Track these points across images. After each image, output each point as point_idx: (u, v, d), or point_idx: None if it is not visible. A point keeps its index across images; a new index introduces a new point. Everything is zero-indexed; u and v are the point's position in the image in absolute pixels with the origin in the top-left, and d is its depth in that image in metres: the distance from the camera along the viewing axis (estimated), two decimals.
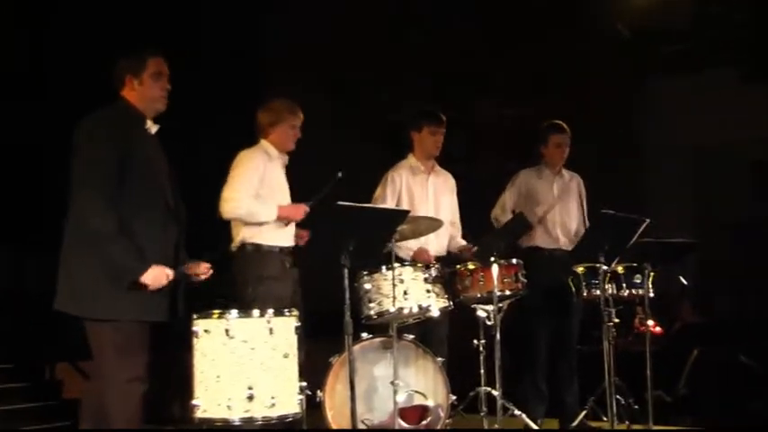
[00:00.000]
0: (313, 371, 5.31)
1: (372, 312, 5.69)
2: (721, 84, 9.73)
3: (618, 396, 6.08)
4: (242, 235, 5.71)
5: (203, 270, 4.88)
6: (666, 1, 9.21)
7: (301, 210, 5.64)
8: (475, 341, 6.16)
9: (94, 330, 4.54)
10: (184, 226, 4.84)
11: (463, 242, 6.57)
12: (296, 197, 5.82)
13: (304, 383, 4.81)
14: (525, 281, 6.11)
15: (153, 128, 4.80)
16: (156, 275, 4.51)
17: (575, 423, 6.43)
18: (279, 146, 5.82)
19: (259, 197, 5.62)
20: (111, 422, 4.50)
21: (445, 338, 6.31)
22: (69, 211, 4.58)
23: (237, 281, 5.65)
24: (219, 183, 5.58)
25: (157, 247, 4.62)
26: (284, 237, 5.72)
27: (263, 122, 5.85)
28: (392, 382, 5.49)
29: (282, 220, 5.67)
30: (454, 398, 5.91)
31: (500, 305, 5.99)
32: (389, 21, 9.97)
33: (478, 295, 5.99)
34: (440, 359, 5.91)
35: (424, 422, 5.75)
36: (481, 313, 6.12)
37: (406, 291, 5.67)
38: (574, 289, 6.43)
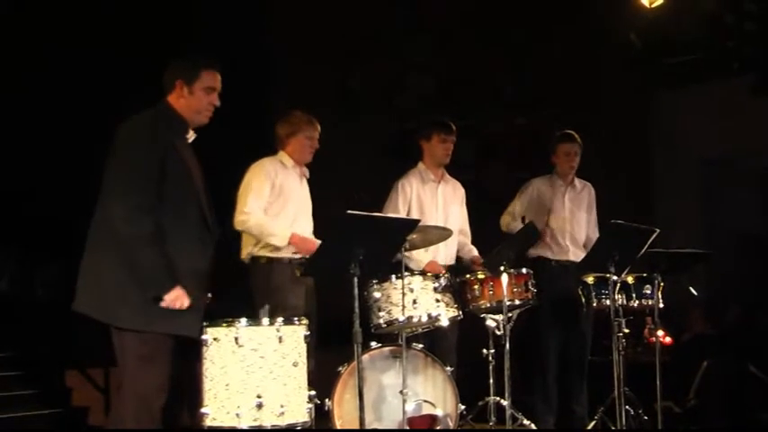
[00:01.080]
0: (322, 379, 5.32)
1: (382, 321, 5.69)
2: (732, 94, 9.70)
3: (627, 407, 6.05)
4: (252, 247, 5.74)
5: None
6: (677, 12, 9.18)
7: (313, 246, 5.58)
8: (484, 350, 6.16)
9: (118, 339, 4.41)
10: (216, 240, 4.65)
11: (475, 251, 6.57)
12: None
13: (313, 392, 4.81)
14: (535, 290, 6.11)
15: (191, 137, 4.65)
16: (175, 298, 4.33)
17: None
18: (296, 157, 5.87)
19: (271, 207, 5.65)
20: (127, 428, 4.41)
21: (454, 348, 6.31)
22: (99, 213, 4.43)
23: (251, 293, 5.68)
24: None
25: (191, 261, 4.46)
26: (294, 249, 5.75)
27: (281, 134, 5.91)
28: (401, 392, 5.50)
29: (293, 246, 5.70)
30: (463, 407, 5.91)
31: (510, 315, 5.99)
32: (399, 28, 9.97)
33: (488, 305, 5.99)
34: (449, 368, 5.91)
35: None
36: (491, 323, 6.11)
37: (415, 300, 5.68)
38: (584, 299, 6.43)
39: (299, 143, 5.88)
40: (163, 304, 4.32)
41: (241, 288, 5.72)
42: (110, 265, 4.36)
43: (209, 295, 4.61)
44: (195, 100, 4.60)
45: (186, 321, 4.45)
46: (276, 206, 5.78)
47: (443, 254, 6.35)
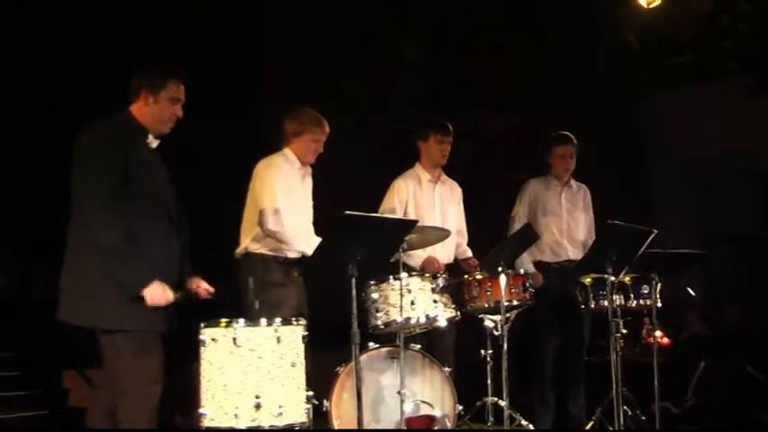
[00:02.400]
0: (320, 380, 5.31)
1: (380, 322, 5.69)
2: (728, 94, 9.71)
3: (625, 407, 6.05)
4: (248, 244, 5.72)
5: (203, 292, 4.85)
6: (674, 12, 9.20)
7: None
8: (482, 351, 6.15)
9: (108, 340, 4.51)
10: (187, 238, 4.79)
11: (469, 252, 6.57)
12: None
13: (311, 393, 4.80)
14: (533, 291, 6.11)
15: (154, 142, 4.74)
16: (156, 294, 4.43)
17: None
18: (299, 156, 5.83)
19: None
20: (132, 426, 4.47)
21: (452, 348, 6.30)
22: (72, 219, 4.54)
23: (241, 288, 5.66)
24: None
25: (161, 258, 4.58)
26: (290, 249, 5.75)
27: (288, 130, 5.86)
28: (399, 392, 5.49)
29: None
30: (461, 408, 5.91)
31: (507, 315, 5.98)
32: (394, 29, 9.98)
33: (486, 305, 5.98)
34: (447, 369, 5.90)
35: None
36: (488, 323, 6.11)
37: (413, 301, 5.67)
38: (581, 299, 6.43)
39: (304, 144, 5.83)
40: (145, 295, 4.41)
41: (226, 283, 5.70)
42: (86, 270, 4.47)
43: (179, 294, 4.63)
44: (159, 109, 4.67)
45: (161, 317, 4.53)
46: (283, 205, 5.71)
47: (441, 254, 6.34)
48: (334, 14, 9.64)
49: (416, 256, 6.17)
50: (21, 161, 8.87)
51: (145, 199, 4.55)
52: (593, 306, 6.38)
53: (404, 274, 5.61)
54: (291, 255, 5.73)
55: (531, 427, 6.14)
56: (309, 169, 5.94)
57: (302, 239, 5.63)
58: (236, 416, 4.54)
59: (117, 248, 4.38)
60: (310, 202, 5.97)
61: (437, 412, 5.78)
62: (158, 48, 8.41)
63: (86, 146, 4.52)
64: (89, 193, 4.43)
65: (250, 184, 5.79)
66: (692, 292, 8.72)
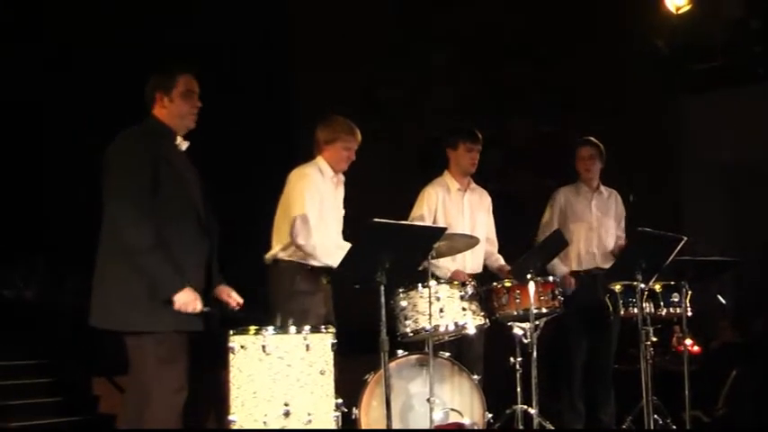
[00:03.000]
0: (348, 388, 5.31)
1: (408, 330, 5.68)
2: (758, 99, 9.64)
3: (655, 416, 6.03)
4: (277, 251, 5.74)
5: (233, 303, 4.91)
6: (703, 17, 9.15)
7: None
8: (511, 359, 6.13)
9: (135, 344, 4.55)
10: (216, 241, 4.87)
11: (501, 260, 6.56)
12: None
13: (340, 400, 4.81)
14: (562, 298, 6.09)
15: (183, 144, 4.84)
16: (186, 301, 4.51)
17: None
18: (332, 164, 5.84)
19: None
20: None
21: (481, 356, 6.29)
22: (103, 226, 4.62)
23: (270, 295, 5.68)
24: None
25: (192, 261, 4.66)
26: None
27: (320, 138, 5.87)
28: (428, 400, 5.48)
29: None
30: (490, 416, 5.89)
31: (537, 323, 5.96)
32: (423, 37, 9.99)
33: (515, 313, 5.97)
34: (476, 377, 5.89)
35: None
36: (518, 331, 6.08)
37: (442, 308, 5.67)
38: (611, 307, 6.40)
39: (336, 152, 5.83)
40: (175, 300, 4.48)
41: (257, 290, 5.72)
42: (117, 274, 4.54)
43: (207, 309, 4.68)
44: (176, 106, 4.80)
45: (189, 317, 4.57)
46: (313, 216, 5.73)
47: (470, 262, 6.34)
48: (364, 22, 9.67)
49: (444, 268, 6.15)
50: (50, 170, 8.95)
51: (175, 203, 4.63)
52: (622, 313, 6.35)
53: (432, 282, 5.61)
54: (319, 264, 5.73)
55: None
56: (342, 177, 5.95)
57: (328, 252, 5.63)
58: (264, 423, 4.55)
59: (147, 252, 4.45)
60: (342, 211, 5.97)
61: (466, 420, 5.77)
62: (187, 50, 8.47)
63: (118, 153, 4.62)
64: (121, 198, 4.51)
65: (283, 192, 5.81)
66: (723, 300, 8.64)
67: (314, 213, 5.65)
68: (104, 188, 4.61)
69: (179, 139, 4.82)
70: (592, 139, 6.87)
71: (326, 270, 5.71)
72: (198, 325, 4.65)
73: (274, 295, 5.72)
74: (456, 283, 5.84)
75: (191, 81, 4.85)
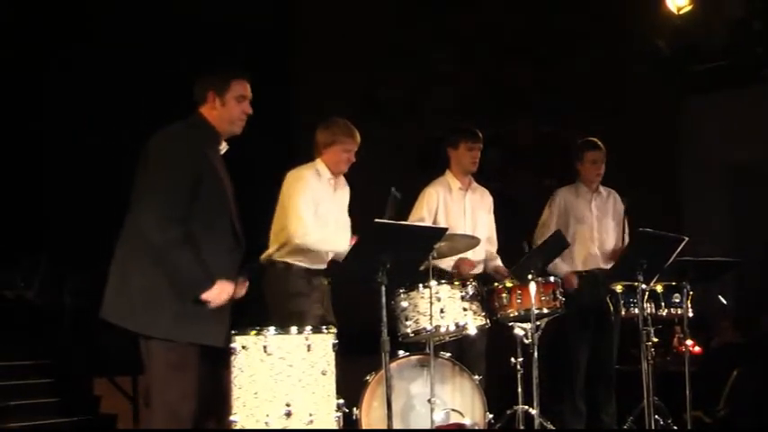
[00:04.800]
0: (349, 389, 5.31)
1: (409, 330, 5.68)
2: (760, 100, 9.65)
3: (657, 416, 6.02)
4: (273, 251, 5.74)
5: (241, 290, 4.75)
6: (705, 18, 9.15)
7: None
8: (512, 359, 6.13)
9: (148, 345, 4.43)
10: (244, 250, 4.68)
11: (499, 261, 6.55)
12: None
13: (341, 401, 4.81)
14: (563, 299, 6.08)
15: (224, 148, 4.69)
16: (219, 291, 4.36)
17: None
18: (331, 167, 5.83)
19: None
20: None
21: (482, 356, 6.28)
22: (130, 222, 4.45)
23: (265, 296, 5.67)
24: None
25: (223, 268, 4.47)
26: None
27: (320, 140, 5.85)
28: (429, 400, 5.49)
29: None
30: (491, 416, 5.88)
31: (538, 323, 5.96)
32: (423, 37, 10.00)
33: (516, 313, 5.96)
34: (477, 377, 5.88)
35: None
36: (519, 331, 6.08)
37: (442, 309, 5.67)
38: (612, 307, 6.39)
39: (335, 154, 5.80)
40: (212, 303, 4.35)
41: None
42: (141, 275, 4.37)
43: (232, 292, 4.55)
44: (227, 110, 4.62)
45: (213, 331, 4.47)
46: (308, 217, 5.71)
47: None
48: (364, 22, 9.67)
49: (450, 258, 6.14)
50: (50, 170, 8.95)
51: (213, 206, 4.46)
52: (623, 314, 6.34)
53: (433, 282, 5.61)
54: (315, 266, 5.73)
55: None
56: (343, 179, 5.94)
57: (328, 240, 5.63)
58: (266, 423, 4.54)
59: (177, 246, 4.29)
60: (344, 214, 5.94)
61: (467, 421, 5.76)
62: (187, 50, 8.48)
63: (162, 147, 4.46)
64: (156, 193, 4.35)
65: (280, 193, 5.80)
66: (724, 301, 8.64)
67: (309, 214, 5.64)
68: (141, 182, 4.43)
69: (222, 144, 4.67)
70: (597, 141, 6.85)
71: (322, 272, 5.71)
72: (220, 341, 4.52)
73: (270, 297, 5.72)
74: (457, 282, 5.84)
75: (245, 86, 4.67)
